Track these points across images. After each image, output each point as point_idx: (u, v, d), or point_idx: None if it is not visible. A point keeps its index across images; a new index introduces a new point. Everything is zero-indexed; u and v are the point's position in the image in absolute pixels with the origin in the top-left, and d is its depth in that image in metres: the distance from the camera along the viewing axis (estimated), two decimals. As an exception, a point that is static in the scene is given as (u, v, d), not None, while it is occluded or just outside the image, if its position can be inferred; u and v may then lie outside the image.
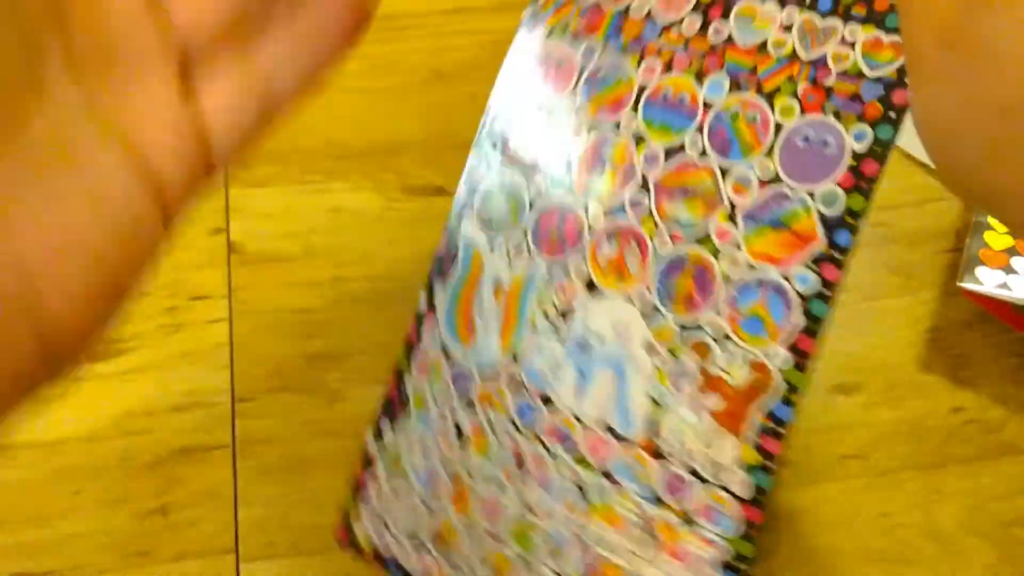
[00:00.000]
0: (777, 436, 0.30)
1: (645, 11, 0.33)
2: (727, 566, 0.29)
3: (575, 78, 0.34)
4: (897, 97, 0.29)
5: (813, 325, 0.30)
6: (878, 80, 0.30)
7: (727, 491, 0.30)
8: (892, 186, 0.44)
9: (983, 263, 0.38)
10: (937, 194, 0.45)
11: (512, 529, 0.32)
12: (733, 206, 0.31)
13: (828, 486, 0.37)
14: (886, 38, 0.30)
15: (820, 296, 0.30)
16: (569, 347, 0.33)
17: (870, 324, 0.41)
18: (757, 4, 0.31)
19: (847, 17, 0.30)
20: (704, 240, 0.31)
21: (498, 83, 0.35)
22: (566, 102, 0.34)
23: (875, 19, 0.30)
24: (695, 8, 0.32)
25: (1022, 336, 0.39)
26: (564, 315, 0.33)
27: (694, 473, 0.30)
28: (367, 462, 0.34)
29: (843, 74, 0.30)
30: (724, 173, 0.31)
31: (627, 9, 0.33)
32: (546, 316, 0.33)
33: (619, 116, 0.33)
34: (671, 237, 0.32)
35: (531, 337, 0.33)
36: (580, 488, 0.32)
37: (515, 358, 0.34)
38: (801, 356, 0.30)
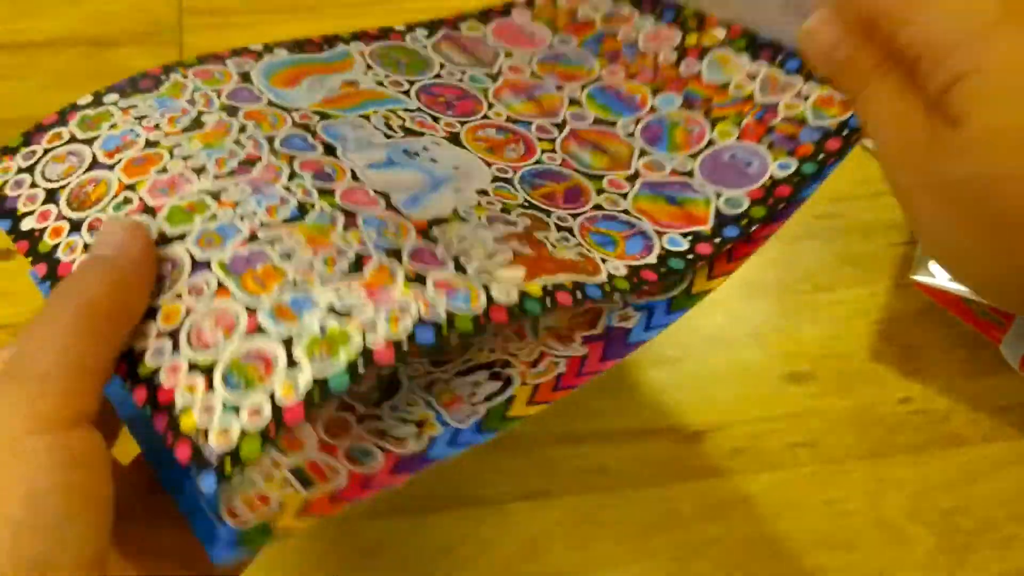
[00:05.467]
0: (574, 299, 0.25)
1: (632, 38, 0.35)
2: (434, 325, 0.22)
3: (541, 48, 0.36)
4: (831, 143, 0.29)
5: (663, 269, 0.27)
6: (819, 128, 0.30)
7: (485, 289, 0.24)
8: (848, 178, 0.44)
9: (935, 256, 0.39)
10: (892, 187, 0.45)
11: (176, 206, 0.25)
12: (637, 174, 0.31)
13: (778, 473, 0.37)
14: (839, 97, 0.30)
15: (683, 257, 0.28)
16: (394, 143, 0.29)
17: (823, 314, 0.42)
18: (731, 54, 0.33)
19: (809, 77, 0.31)
20: (594, 178, 0.30)
21: None
22: (519, 52, 0.35)
23: None
24: (676, 47, 0.34)
25: (971, 329, 0.40)
26: (408, 133, 0.30)
27: (456, 262, 0.24)
28: (63, 114, 0.29)
29: (788, 119, 0.31)
30: (642, 153, 0.32)
31: (616, 32, 0.35)
32: (387, 124, 0.30)
33: (566, 85, 0.34)
34: (562, 162, 0.31)
35: (354, 121, 0.29)
36: (300, 206, 0.25)
37: (322, 117, 0.29)
38: (639, 279, 0.27)
